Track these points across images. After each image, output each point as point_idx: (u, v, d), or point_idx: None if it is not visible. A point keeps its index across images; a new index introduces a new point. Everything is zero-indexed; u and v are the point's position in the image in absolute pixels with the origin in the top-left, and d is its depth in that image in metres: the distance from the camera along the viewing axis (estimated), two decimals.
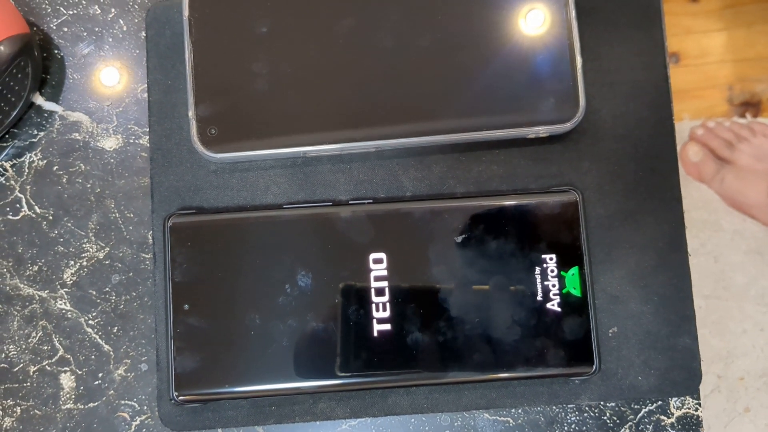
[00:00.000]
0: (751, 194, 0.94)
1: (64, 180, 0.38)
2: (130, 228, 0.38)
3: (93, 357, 0.37)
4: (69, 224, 0.38)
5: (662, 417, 0.37)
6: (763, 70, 1.01)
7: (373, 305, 0.35)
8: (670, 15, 0.99)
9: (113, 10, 0.39)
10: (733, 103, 1.02)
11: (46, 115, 0.38)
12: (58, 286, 0.37)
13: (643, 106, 0.38)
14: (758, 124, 0.98)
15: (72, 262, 0.38)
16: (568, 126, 0.36)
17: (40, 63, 0.38)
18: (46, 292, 0.37)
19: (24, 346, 0.37)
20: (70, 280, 0.37)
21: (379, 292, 0.35)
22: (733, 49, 1.02)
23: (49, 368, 0.37)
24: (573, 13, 0.36)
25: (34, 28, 0.39)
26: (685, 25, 1.01)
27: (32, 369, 0.37)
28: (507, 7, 0.36)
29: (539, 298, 0.35)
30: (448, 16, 0.36)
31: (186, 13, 0.36)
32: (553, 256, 0.36)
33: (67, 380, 0.37)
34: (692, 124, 1.00)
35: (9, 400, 0.37)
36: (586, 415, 0.37)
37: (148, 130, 0.38)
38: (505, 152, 0.38)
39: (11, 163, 0.38)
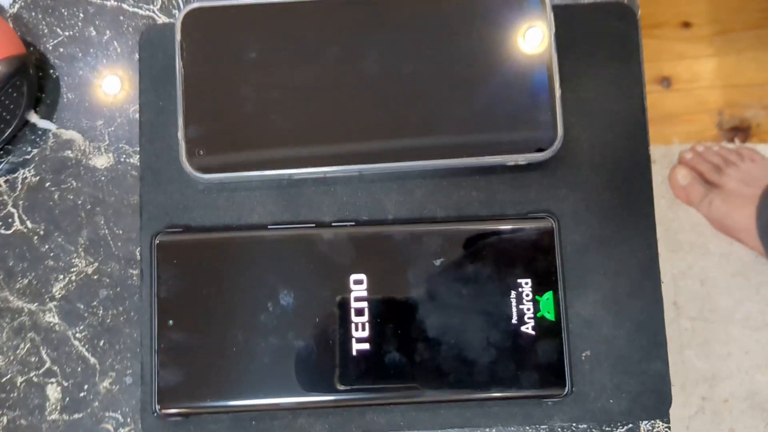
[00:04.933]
0: (738, 218, 0.95)
1: (56, 196, 0.39)
2: (119, 244, 0.39)
3: (79, 369, 0.38)
4: (59, 239, 0.39)
5: None
6: (752, 96, 1.03)
7: (353, 325, 0.36)
8: (663, 40, 1.01)
9: (108, 32, 0.40)
10: (723, 128, 1.03)
11: (40, 132, 0.39)
12: (47, 300, 0.38)
13: (620, 135, 0.39)
14: (746, 149, 1.00)
15: (61, 276, 0.39)
16: (546, 154, 0.37)
17: (36, 82, 0.39)
18: (35, 305, 0.38)
19: (12, 357, 0.38)
20: (59, 293, 0.38)
21: (359, 312, 0.36)
22: (724, 74, 1.03)
23: (36, 379, 0.38)
24: (553, 44, 0.37)
25: (31, 48, 0.40)
26: (677, 50, 1.02)
27: (19, 380, 0.38)
28: (489, 37, 0.37)
29: (514, 321, 0.37)
30: (431, 46, 0.37)
31: (178, 37, 0.37)
32: (529, 280, 0.37)
33: (53, 391, 0.38)
34: (682, 148, 1.02)
35: None
36: None
37: (138, 149, 0.39)
38: (485, 178, 0.39)
39: (5, 179, 0.39)
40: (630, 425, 0.38)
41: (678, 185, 1.00)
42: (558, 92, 0.37)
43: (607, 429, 0.38)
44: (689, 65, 1.03)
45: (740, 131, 1.03)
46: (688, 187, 0.99)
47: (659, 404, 0.38)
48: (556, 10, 0.38)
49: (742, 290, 0.99)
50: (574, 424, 0.38)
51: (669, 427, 0.38)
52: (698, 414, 0.96)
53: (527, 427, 0.38)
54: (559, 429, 0.38)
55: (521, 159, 0.37)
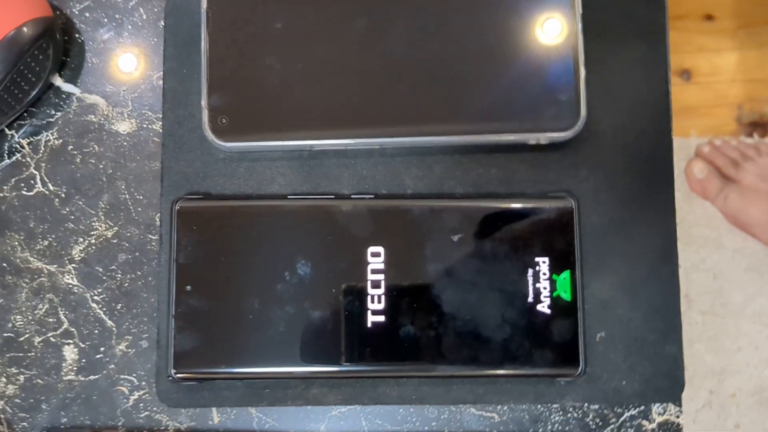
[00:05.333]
0: (754, 213, 0.95)
1: (78, 160, 0.39)
2: (139, 209, 0.39)
3: (96, 332, 0.38)
4: (80, 203, 0.39)
5: (644, 422, 0.38)
6: None
7: (369, 297, 0.37)
8: (684, 32, 1.00)
9: None
10: (742, 123, 1.03)
11: (64, 96, 0.40)
12: (67, 262, 0.39)
13: (642, 119, 0.39)
14: (765, 145, 0.99)
15: (81, 239, 0.39)
16: (568, 135, 0.37)
17: (61, 46, 0.39)
18: (54, 266, 0.39)
19: (30, 317, 0.39)
20: (78, 256, 0.39)
21: (376, 284, 0.37)
22: (745, 69, 1.02)
23: (53, 340, 0.38)
24: (579, 25, 0.37)
25: (57, 12, 0.40)
26: (698, 43, 1.01)
27: (37, 339, 0.38)
28: (515, 16, 0.37)
29: (530, 299, 0.37)
30: (457, 23, 0.37)
31: (204, 5, 0.37)
32: (546, 259, 0.37)
33: (70, 352, 0.38)
34: (699, 141, 1.01)
35: (13, 368, 0.38)
36: (569, 415, 0.38)
37: (161, 116, 0.39)
38: (505, 156, 0.39)
39: (28, 141, 0.39)
40: (642, 407, 0.38)
41: (694, 178, 0.99)
42: (583, 73, 0.37)
43: (618, 410, 0.38)
44: (710, 58, 1.02)
45: (759, 126, 1.02)
46: (704, 180, 0.98)
47: (672, 387, 0.38)
48: None
49: (755, 286, 0.99)
50: (586, 404, 0.38)
51: (681, 410, 0.38)
52: (705, 408, 0.96)
53: (539, 406, 0.38)
54: (571, 408, 0.38)
55: (543, 138, 0.37)
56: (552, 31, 0.37)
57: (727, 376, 0.97)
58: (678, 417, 0.38)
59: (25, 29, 0.36)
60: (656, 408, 0.38)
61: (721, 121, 1.03)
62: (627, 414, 0.38)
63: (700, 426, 0.96)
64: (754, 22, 1.03)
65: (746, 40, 1.02)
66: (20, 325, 0.38)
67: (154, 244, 0.39)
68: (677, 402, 0.38)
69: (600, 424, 0.38)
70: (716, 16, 1.02)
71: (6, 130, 0.39)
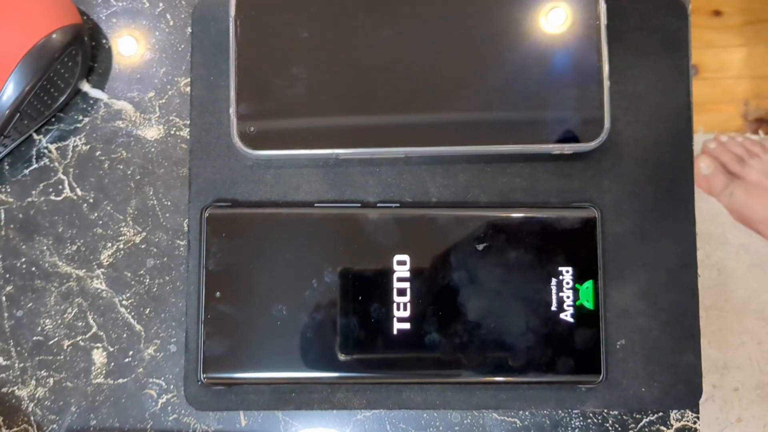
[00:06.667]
0: (759, 210, 0.95)
1: (106, 165, 0.40)
2: (167, 215, 0.39)
3: (125, 335, 0.39)
4: (108, 208, 0.39)
5: (662, 428, 0.39)
6: None
7: (395, 304, 0.37)
8: (692, 27, 1.00)
9: (161, 4, 0.40)
10: (748, 119, 1.03)
11: (91, 101, 0.40)
12: (95, 266, 0.39)
13: (664, 130, 0.39)
14: None
15: (109, 244, 0.39)
16: (592, 145, 0.37)
17: (90, 52, 0.39)
18: (83, 271, 0.39)
19: (60, 321, 0.39)
20: (107, 261, 0.39)
21: (401, 292, 0.37)
22: (752, 65, 1.03)
23: (82, 343, 0.39)
24: (604, 37, 0.37)
25: (85, 17, 0.40)
26: (706, 39, 1.02)
27: (66, 343, 0.39)
28: (541, 27, 0.38)
29: (553, 308, 0.37)
30: (483, 35, 0.38)
31: (232, 13, 0.37)
32: (570, 269, 0.37)
33: (98, 356, 0.39)
34: (706, 137, 1.02)
35: (43, 371, 0.39)
36: (589, 421, 0.39)
37: (189, 122, 0.39)
38: (529, 166, 0.39)
39: (56, 146, 0.40)
40: (660, 413, 0.39)
41: (700, 174, 1.00)
42: (607, 84, 0.37)
43: (637, 416, 0.39)
44: (717, 54, 1.03)
45: (765, 123, 1.03)
46: (709, 176, 0.99)
47: (690, 395, 0.38)
48: (608, 2, 0.38)
49: (759, 281, 1.00)
50: (606, 411, 0.39)
51: (698, 417, 0.39)
52: (708, 401, 0.98)
53: (560, 411, 0.39)
54: (591, 414, 0.39)
55: (567, 148, 0.38)
56: (577, 43, 0.38)
57: (730, 370, 0.98)
58: (695, 423, 0.39)
59: (55, 36, 0.36)
60: (674, 414, 0.39)
61: (727, 117, 1.03)
62: (645, 420, 0.39)
63: (703, 420, 0.98)
64: (761, 19, 1.03)
65: (753, 36, 1.03)
66: (49, 328, 0.39)
67: (181, 249, 0.39)
68: (695, 409, 0.39)
69: (619, 429, 0.39)
70: (724, 12, 1.02)
71: (34, 135, 0.40)
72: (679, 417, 0.39)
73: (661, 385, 0.38)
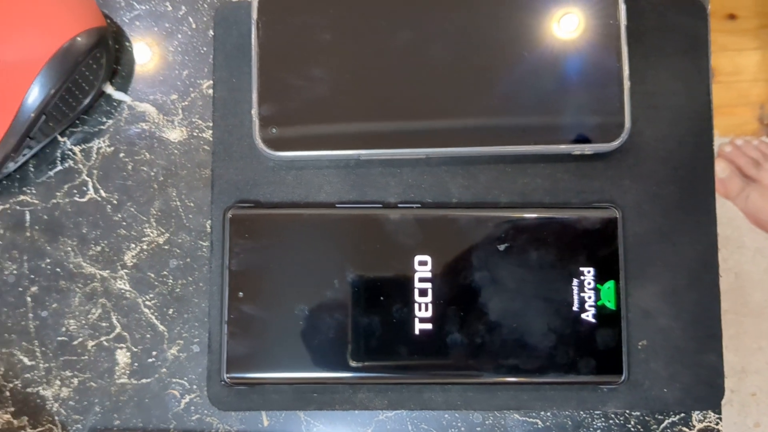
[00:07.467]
0: None
1: (130, 167, 0.40)
2: (190, 216, 0.40)
3: (148, 336, 0.39)
4: (132, 209, 0.40)
5: (684, 429, 0.39)
6: None
7: (416, 305, 0.37)
8: None
9: (183, 7, 0.41)
10: (764, 122, 1.03)
11: (115, 104, 0.40)
12: (119, 267, 0.40)
13: (684, 130, 0.39)
14: None
15: (133, 245, 0.40)
16: (612, 145, 0.37)
17: (113, 54, 0.40)
18: (107, 271, 0.40)
19: (84, 322, 0.39)
20: (131, 262, 0.40)
21: (423, 292, 0.37)
22: (767, 68, 1.02)
23: (106, 344, 0.39)
24: (624, 38, 0.38)
25: (109, 21, 0.41)
26: (720, 42, 1.01)
27: (90, 343, 0.39)
28: (561, 29, 0.38)
29: (575, 308, 0.37)
30: (504, 36, 0.38)
31: (254, 16, 0.38)
32: (591, 269, 0.37)
33: (122, 356, 0.39)
34: (721, 141, 1.01)
35: (67, 371, 0.39)
36: (611, 422, 0.39)
37: (211, 124, 0.40)
38: (550, 167, 0.39)
39: (80, 148, 0.40)
40: (682, 414, 0.39)
41: (715, 178, 0.99)
42: (627, 84, 0.37)
43: (659, 417, 0.39)
44: (732, 57, 1.02)
45: None
46: (725, 180, 0.99)
47: (711, 396, 0.38)
48: (627, 3, 0.38)
49: None
50: (628, 411, 0.39)
51: (720, 418, 0.39)
52: (726, 406, 0.97)
53: (581, 412, 0.39)
54: (613, 415, 0.39)
55: (588, 149, 0.38)
56: (597, 44, 0.38)
57: (748, 374, 0.98)
58: (717, 424, 0.39)
59: (79, 39, 0.37)
60: (696, 415, 0.39)
61: (742, 120, 1.03)
62: (667, 421, 0.39)
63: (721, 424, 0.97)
64: None
65: None
66: (74, 329, 0.39)
67: (204, 250, 0.40)
68: (717, 410, 0.39)
69: (641, 430, 0.39)
70: (739, 16, 1.02)
71: (59, 137, 0.40)
72: (701, 418, 0.39)
73: (683, 386, 0.38)
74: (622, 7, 0.38)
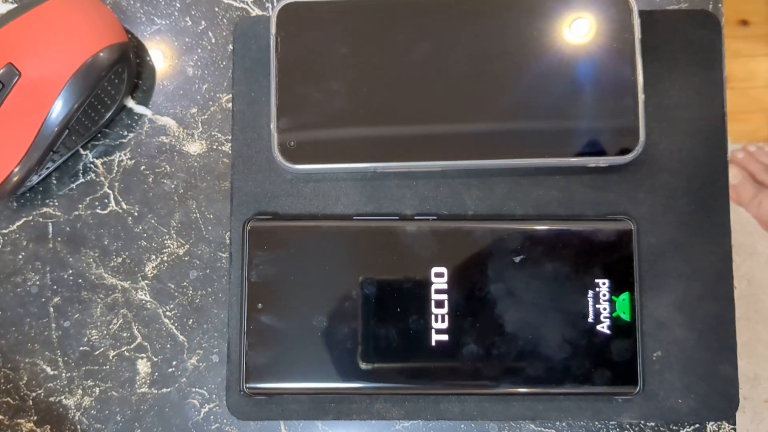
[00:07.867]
0: None
1: (150, 180, 0.41)
2: (209, 228, 0.40)
3: (168, 346, 0.40)
4: (152, 221, 0.40)
5: None
6: None
7: (433, 316, 0.38)
8: None
9: (203, 22, 0.42)
10: None
11: (136, 117, 0.41)
12: (140, 278, 0.40)
13: (699, 143, 0.40)
14: None
15: (153, 257, 0.40)
16: (627, 158, 0.38)
17: (135, 69, 0.41)
18: (128, 282, 0.40)
19: (105, 332, 0.40)
20: (151, 273, 0.40)
21: (439, 304, 0.38)
22: None
23: (127, 354, 0.40)
24: (638, 50, 0.38)
25: (130, 36, 0.41)
26: (733, 48, 1.02)
27: (112, 353, 0.40)
28: (575, 42, 0.38)
29: (590, 319, 0.38)
30: (519, 49, 0.38)
31: (273, 30, 0.38)
32: (606, 281, 0.38)
33: (143, 366, 0.40)
34: (734, 147, 1.01)
35: (89, 381, 0.40)
36: None
37: (230, 137, 0.40)
38: (565, 179, 0.40)
39: (102, 161, 0.41)
40: (697, 425, 0.39)
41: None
42: (642, 97, 0.38)
43: (674, 427, 0.39)
44: (745, 63, 1.02)
45: None
46: (738, 186, 0.99)
47: (726, 406, 0.39)
48: (641, 15, 0.39)
49: None
50: (642, 422, 0.39)
51: (734, 428, 0.39)
52: (739, 413, 0.97)
53: (596, 422, 0.39)
54: (628, 425, 0.39)
55: (603, 161, 0.38)
56: (611, 57, 0.38)
57: (761, 381, 0.98)
58: None
59: (102, 55, 0.37)
60: (711, 426, 0.39)
61: (755, 126, 1.03)
62: (682, 431, 0.39)
63: None
64: None
65: None
66: (95, 339, 0.40)
67: (223, 261, 0.40)
68: (732, 420, 0.39)
69: None
70: (751, 22, 1.02)
71: (81, 150, 0.41)
72: (716, 428, 0.39)
73: (698, 397, 0.39)
74: (637, 21, 0.38)
